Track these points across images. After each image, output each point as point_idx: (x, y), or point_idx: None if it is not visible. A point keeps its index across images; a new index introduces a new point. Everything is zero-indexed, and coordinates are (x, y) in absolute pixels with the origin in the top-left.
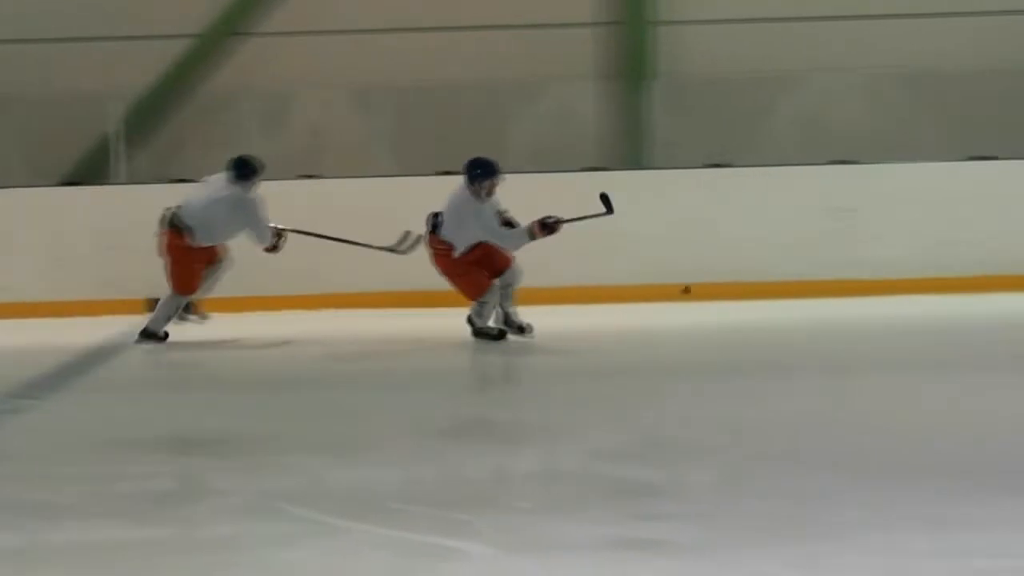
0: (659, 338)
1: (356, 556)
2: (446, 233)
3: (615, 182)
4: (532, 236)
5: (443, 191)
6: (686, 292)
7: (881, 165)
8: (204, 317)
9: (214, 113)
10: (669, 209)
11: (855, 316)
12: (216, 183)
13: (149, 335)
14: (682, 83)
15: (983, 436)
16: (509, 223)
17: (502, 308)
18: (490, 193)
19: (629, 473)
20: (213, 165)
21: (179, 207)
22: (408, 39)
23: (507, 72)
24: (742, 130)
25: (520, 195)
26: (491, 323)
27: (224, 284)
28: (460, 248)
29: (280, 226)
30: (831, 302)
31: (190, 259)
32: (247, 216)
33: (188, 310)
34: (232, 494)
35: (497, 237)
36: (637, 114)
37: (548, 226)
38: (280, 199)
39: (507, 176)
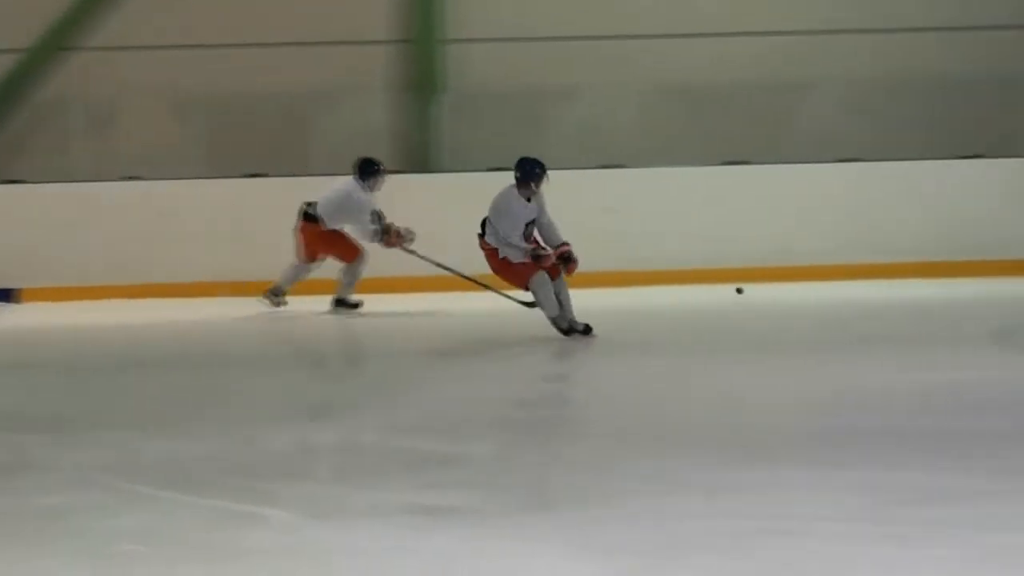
0: (452, 326)
1: (172, 523)
2: (489, 237)
3: (408, 185)
4: (530, 256)
5: (251, 192)
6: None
7: (648, 169)
8: (283, 303)
9: (46, 120)
10: (455, 210)
11: (629, 305)
12: (344, 179)
13: (340, 303)
14: (469, 95)
15: (750, 411)
16: (566, 256)
17: (550, 320)
18: (533, 192)
19: (423, 445)
20: (45, 167)
21: (312, 202)
22: (221, 54)
23: (310, 84)
24: (524, 137)
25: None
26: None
27: (63, 273)
28: (502, 250)
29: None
30: (607, 292)
31: (331, 236)
32: (351, 209)
33: (277, 294)
34: (57, 468)
35: (504, 236)
36: (427, 123)
37: (536, 256)
38: (105, 199)
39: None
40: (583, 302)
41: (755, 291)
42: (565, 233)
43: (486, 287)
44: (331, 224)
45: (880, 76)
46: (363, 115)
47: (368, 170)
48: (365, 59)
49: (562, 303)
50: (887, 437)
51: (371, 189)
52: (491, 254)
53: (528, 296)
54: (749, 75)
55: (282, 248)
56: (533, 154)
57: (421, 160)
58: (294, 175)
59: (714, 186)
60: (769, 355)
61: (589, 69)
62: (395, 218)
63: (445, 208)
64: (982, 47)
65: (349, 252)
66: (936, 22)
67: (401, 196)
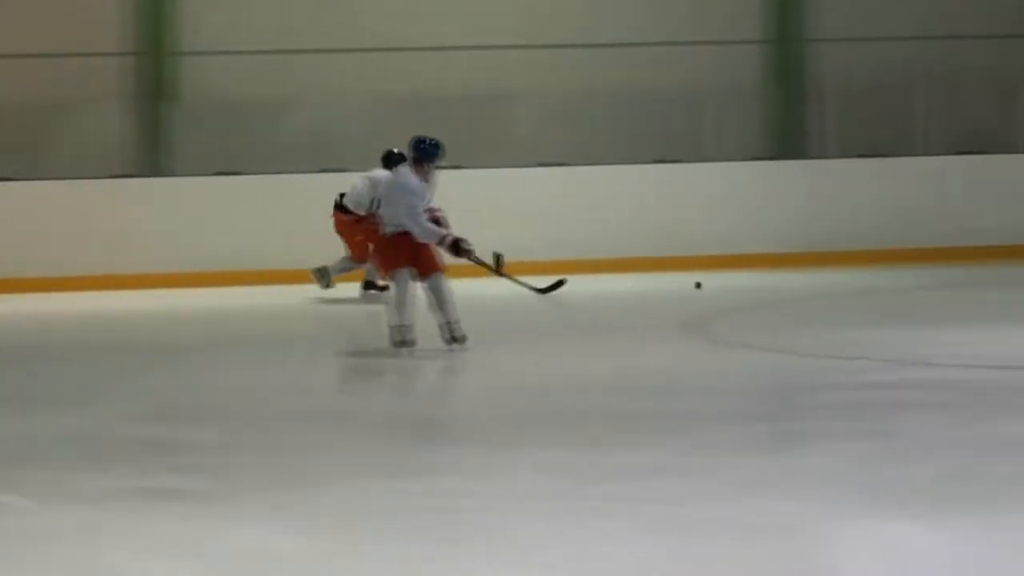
0: (169, 318)
1: None
2: (383, 210)
3: (140, 188)
4: (440, 241)
5: None
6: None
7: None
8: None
9: None
10: (184, 210)
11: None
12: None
13: (322, 273)
14: (200, 104)
15: (462, 397)
16: (437, 221)
17: (438, 317)
18: (429, 173)
19: (152, 432)
20: None
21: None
22: None
23: (48, 94)
24: (252, 144)
25: (59, 199)
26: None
27: None
28: (387, 225)
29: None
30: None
31: (353, 231)
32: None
33: (370, 287)
34: None
35: (411, 214)
36: (158, 131)
37: (455, 245)
38: None
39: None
40: (309, 297)
41: (470, 286)
42: (287, 233)
43: (500, 273)
44: (362, 211)
45: (586, 87)
46: (98, 123)
47: (390, 161)
48: (100, 70)
49: (440, 307)
50: (586, 418)
51: None
52: (373, 228)
53: (540, 282)
54: (464, 86)
55: (19, 247)
56: (260, 160)
57: (153, 165)
58: (31, 179)
59: (446, 189)
60: (481, 345)
61: (315, 80)
62: (127, 221)
63: (175, 210)
64: (676, 62)
65: (362, 251)
66: (636, 38)
67: (133, 199)
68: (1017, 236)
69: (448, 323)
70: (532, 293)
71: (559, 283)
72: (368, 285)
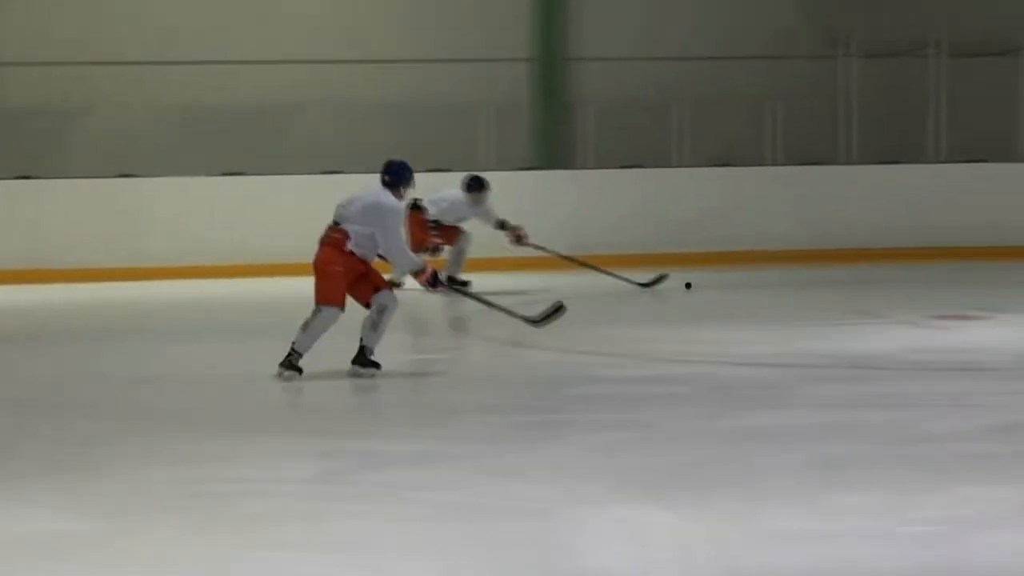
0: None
1: None
2: (350, 227)
3: None
4: (418, 271)
5: None
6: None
7: (158, 178)
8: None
9: None
10: None
11: (142, 296)
12: (451, 189)
13: (452, 280)
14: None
15: (229, 388)
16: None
17: (361, 338)
18: (402, 197)
19: None
20: None
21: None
22: None
23: None
24: (49, 150)
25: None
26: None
27: None
28: (353, 242)
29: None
30: (120, 285)
31: (423, 227)
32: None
33: (452, 283)
34: None
35: (392, 240)
36: None
37: (434, 278)
38: None
39: None
40: (99, 294)
41: (242, 285)
42: (87, 233)
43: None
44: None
45: (365, 100)
46: None
47: (476, 185)
48: None
49: (374, 326)
50: (358, 411)
51: (478, 203)
52: (334, 243)
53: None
54: (252, 97)
55: None
56: (59, 165)
57: None
58: None
59: (214, 193)
60: (265, 341)
61: (110, 90)
62: None
63: None
64: (449, 77)
65: (455, 236)
66: (413, 55)
67: None
68: (765, 242)
69: (366, 347)
70: (635, 287)
71: (661, 277)
72: (450, 280)
